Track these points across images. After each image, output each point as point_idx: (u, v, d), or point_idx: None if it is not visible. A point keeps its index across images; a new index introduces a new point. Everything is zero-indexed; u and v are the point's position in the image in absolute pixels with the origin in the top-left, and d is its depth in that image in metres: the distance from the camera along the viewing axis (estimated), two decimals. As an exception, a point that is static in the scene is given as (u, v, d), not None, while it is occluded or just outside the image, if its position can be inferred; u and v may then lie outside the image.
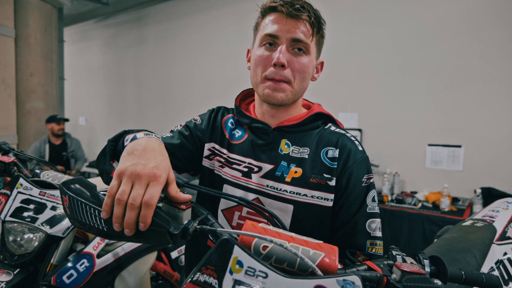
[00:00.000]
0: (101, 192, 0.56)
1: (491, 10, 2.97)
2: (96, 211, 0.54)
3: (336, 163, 0.81)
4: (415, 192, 3.27)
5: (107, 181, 0.78)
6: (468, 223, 1.30)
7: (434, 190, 3.15)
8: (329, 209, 0.81)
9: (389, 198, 3.12)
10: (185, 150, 0.88)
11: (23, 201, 1.10)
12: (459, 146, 3.13)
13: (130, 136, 0.67)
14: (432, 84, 3.24)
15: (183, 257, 1.68)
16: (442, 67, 3.19)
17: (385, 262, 0.60)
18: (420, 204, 2.97)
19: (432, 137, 3.26)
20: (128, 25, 5.59)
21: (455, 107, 3.15)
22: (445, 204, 2.84)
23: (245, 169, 0.85)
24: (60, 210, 1.11)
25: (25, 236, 1.08)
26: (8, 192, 1.12)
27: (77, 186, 0.57)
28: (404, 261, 0.60)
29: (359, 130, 3.60)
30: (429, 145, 3.26)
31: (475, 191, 2.91)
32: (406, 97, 3.37)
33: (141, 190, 0.53)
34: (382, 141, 3.51)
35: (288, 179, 0.81)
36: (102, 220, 0.53)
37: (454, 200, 3.03)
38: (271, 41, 0.79)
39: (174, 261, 1.64)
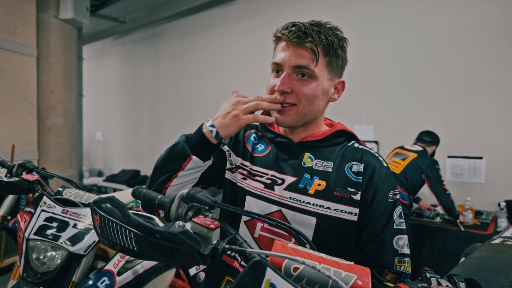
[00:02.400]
0: (132, 212, 0.56)
1: (506, 21, 2.92)
2: (127, 230, 0.53)
3: (361, 177, 0.80)
4: (436, 206, 3.18)
5: (160, 189, 0.83)
6: (497, 241, 1.24)
7: (456, 203, 3.06)
8: (354, 224, 0.80)
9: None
10: (212, 165, 0.91)
11: (46, 219, 1.12)
12: (481, 158, 3.05)
13: (207, 123, 0.83)
14: (449, 95, 3.19)
15: (201, 274, 1.67)
16: (459, 78, 3.14)
17: (420, 285, 0.58)
18: (439, 218, 2.88)
19: (452, 149, 3.18)
20: (143, 42, 5.74)
21: (474, 118, 3.08)
22: (468, 218, 2.75)
23: (268, 181, 0.85)
24: (82, 228, 1.12)
25: (48, 254, 1.08)
26: (32, 210, 1.14)
27: (108, 205, 0.57)
28: (439, 284, 0.58)
29: (376, 142, 3.56)
30: (449, 156, 3.19)
31: (499, 204, 2.81)
32: (423, 108, 3.32)
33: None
34: (399, 153, 3.45)
35: (311, 191, 0.81)
36: (133, 240, 0.53)
37: (477, 214, 2.93)
38: (278, 69, 0.83)
39: (193, 278, 1.63)
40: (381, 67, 3.55)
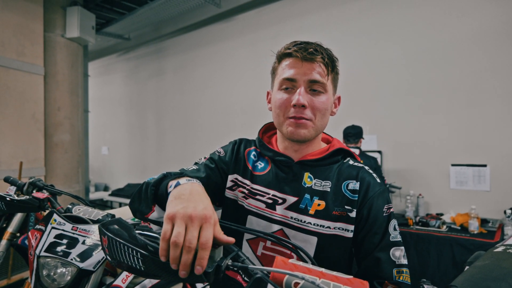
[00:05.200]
0: (138, 232, 0.58)
1: (509, 27, 2.95)
2: (134, 251, 0.56)
3: (357, 195, 0.84)
4: (441, 214, 3.17)
5: (141, 219, 0.81)
6: (500, 249, 1.24)
7: (461, 212, 3.05)
8: (349, 240, 0.83)
9: (414, 221, 3.03)
10: (211, 182, 0.90)
11: (56, 236, 1.15)
12: (485, 166, 3.04)
13: (173, 183, 0.70)
14: (451, 102, 3.20)
15: None
16: (461, 85, 3.16)
17: (418, 297, 0.60)
18: (445, 227, 2.87)
19: (455, 157, 3.18)
20: (148, 57, 5.85)
21: (477, 125, 3.09)
22: (474, 226, 2.74)
23: (269, 201, 0.87)
24: (91, 244, 1.15)
25: (58, 271, 1.11)
26: (43, 227, 1.17)
27: (116, 227, 0.60)
28: (437, 295, 0.60)
29: (379, 152, 3.57)
30: (453, 165, 3.18)
31: (505, 212, 2.79)
32: (425, 116, 3.34)
33: (195, 232, 0.54)
34: (403, 163, 3.46)
35: (311, 211, 0.83)
36: (139, 260, 0.56)
37: (483, 222, 2.91)
38: (289, 85, 0.84)
39: (199, 292, 1.64)
40: (384, 76, 3.58)
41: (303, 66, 0.82)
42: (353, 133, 3.03)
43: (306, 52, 0.81)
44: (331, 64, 0.84)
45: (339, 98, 0.94)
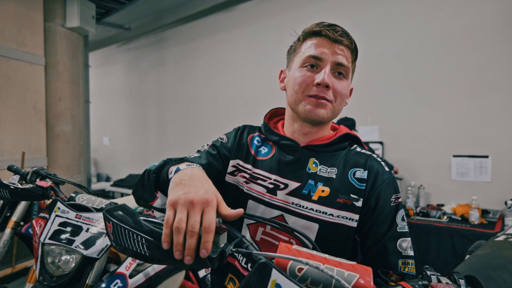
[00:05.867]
0: (142, 219, 0.59)
1: (508, 20, 2.92)
2: (139, 236, 0.56)
3: (365, 184, 0.82)
4: (442, 205, 3.18)
5: (145, 206, 0.81)
6: (501, 238, 1.26)
7: (462, 203, 3.06)
8: (353, 230, 0.81)
9: (414, 212, 3.05)
10: (213, 169, 0.89)
11: (60, 224, 1.16)
12: (486, 157, 3.04)
13: (173, 168, 0.70)
14: (453, 94, 3.19)
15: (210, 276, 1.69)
16: (462, 77, 3.14)
17: (420, 283, 0.60)
18: (445, 217, 2.89)
19: (457, 148, 3.18)
20: (148, 48, 5.81)
21: (478, 117, 3.08)
22: (474, 217, 2.75)
23: (271, 186, 0.85)
24: (95, 232, 1.16)
25: (63, 258, 1.12)
26: (47, 215, 1.18)
27: (120, 213, 0.60)
28: (439, 281, 0.60)
29: (381, 143, 3.57)
30: (454, 156, 3.18)
31: (505, 203, 2.80)
32: (427, 108, 3.33)
33: (197, 216, 0.54)
34: (404, 154, 3.46)
35: (315, 197, 0.81)
36: (144, 245, 0.56)
37: (484, 213, 2.92)
38: (314, 63, 0.81)
39: (202, 280, 1.66)
40: (385, 68, 3.56)
41: (331, 47, 0.80)
42: (349, 125, 3.03)
43: (337, 33, 0.80)
44: (356, 51, 0.83)
45: (351, 90, 0.92)
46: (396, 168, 3.31)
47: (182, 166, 0.69)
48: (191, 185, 0.60)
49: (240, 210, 0.58)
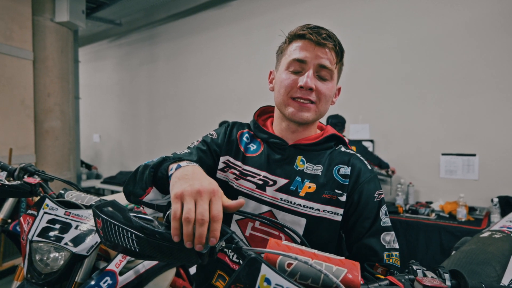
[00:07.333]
0: (133, 215, 0.59)
1: (499, 19, 2.97)
2: (129, 232, 0.56)
3: (348, 180, 0.85)
4: (430, 202, 3.23)
5: (135, 202, 0.81)
6: (486, 234, 1.29)
7: (450, 200, 3.11)
8: (338, 224, 0.85)
9: (404, 209, 3.09)
10: (203, 165, 0.89)
11: (49, 221, 1.14)
12: (474, 155, 3.10)
13: (174, 165, 0.70)
14: (443, 93, 3.24)
15: (200, 272, 1.70)
16: (452, 76, 3.19)
17: (406, 277, 0.62)
18: (433, 215, 2.94)
19: (446, 147, 3.23)
20: (140, 43, 5.75)
21: (467, 115, 3.13)
22: (461, 214, 2.80)
23: (260, 182, 0.88)
24: (84, 229, 1.15)
25: (51, 255, 1.11)
26: (35, 212, 1.17)
27: (110, 209, 0.60)
28: (424, 275, 0.62)
29: (371, 141, 3.60)
30: (443, 154, 3.24)
31: (492, 200, 2.86)
32: (417, 106, 3.37)
33: (206, 205, 0.54)
34: (394, 152, 3.50)
35: (302, 193, 0.85)
36: (134, 241, 0.56)
37: (471, 210, 2.98)
38: (298, 66, 0.84)
39: (193, 276, 1.66)
40: (376, 66, 3.59)
41: (314, 50, 0.82)
42: (339, 122, 3.07)
43: (320, 36, 0.81)
44: (340, 53, 0.85)
45: (339, 89, 0.95)
46: (393, 167, 3.34)
47: (183, 163, 0.69)
48: (194, 178, 0.60)
49: (241, 201, 0.59)
